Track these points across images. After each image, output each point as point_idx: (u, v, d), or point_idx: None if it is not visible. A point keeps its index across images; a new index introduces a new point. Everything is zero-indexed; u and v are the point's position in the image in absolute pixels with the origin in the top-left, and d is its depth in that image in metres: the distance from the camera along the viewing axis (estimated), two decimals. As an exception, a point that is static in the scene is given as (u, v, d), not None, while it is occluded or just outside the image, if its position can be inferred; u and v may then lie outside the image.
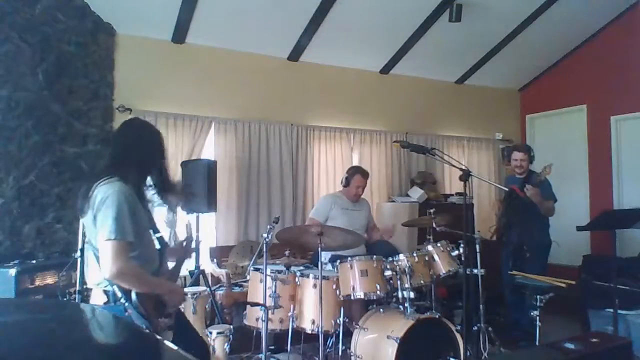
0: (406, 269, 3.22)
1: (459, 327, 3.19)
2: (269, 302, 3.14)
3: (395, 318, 3.13)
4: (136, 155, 2.00)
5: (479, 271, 3.73)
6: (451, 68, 6.25)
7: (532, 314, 3.40)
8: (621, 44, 5.78)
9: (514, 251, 4.31)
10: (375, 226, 4.44)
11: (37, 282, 3.33)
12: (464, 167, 2.92)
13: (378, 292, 3.17)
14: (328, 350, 3.64)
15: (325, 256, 3.75)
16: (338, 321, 3.26)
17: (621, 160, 5.86)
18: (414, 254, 3.38)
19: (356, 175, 4.15)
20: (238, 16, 4.63)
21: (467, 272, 3.05)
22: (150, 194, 2.07)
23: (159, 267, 2.06)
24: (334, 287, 3.30)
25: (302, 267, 3.73)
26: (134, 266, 1.85)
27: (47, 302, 2.86)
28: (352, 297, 3.21)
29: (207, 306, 3.45)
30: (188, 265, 3.74)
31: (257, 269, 3.45)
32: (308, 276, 3.38)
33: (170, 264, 2.21)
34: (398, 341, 2.89)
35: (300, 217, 5.29)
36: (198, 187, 4.02)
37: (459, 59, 6.06)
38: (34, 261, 3.54)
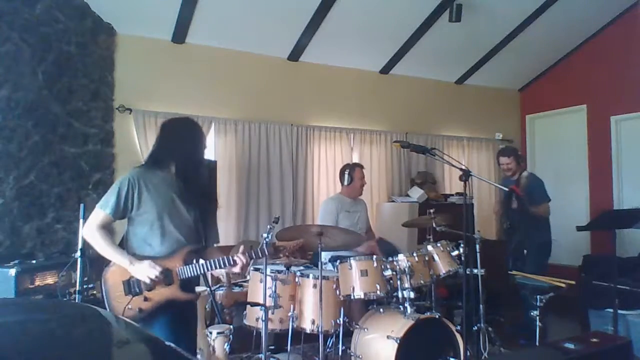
0: (406, 269, 3.22)
1: (459, 327, 3.19)
2: (269, 302, 3.14)
3: (395, 318, 3.13)
4: (174, 147, 2.24)
5: (479, 271, 3.74)
6: (451, 68, 6.25)
7: (532, 314, 3.40)
8: (621, 44, 5.78)
9: (513, 250, 4.32)
10: (370, 229, 4.43)
11: (37, 282, 3.33)
12: (464, 167, 2.92)
13: (378, 292, 3.17)
14: (328, 350, 3.64)
15: (325, 256, 3.75)
16: (338, 321, 3.26)
17: (621, 160, 5.86)
18: (414, 254, 3.38)
19: (356, 168, 4.18)
20: (238, 16, 4.63)
21: (467, 272, 3.05)
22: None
23: (168, 255, 2.17)
24: (334, 287, 3.30)
25: (302, 267, 3.73)
26: (97, 232, 2.13)
27: (47, 302, 2.86)
28: (352, 297, 3.21)
29: (207, 306, 3.44)
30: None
31: (257, 269, 3.45)
32: (308, 276, 3.38)
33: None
34: (398, 341, 2.89)
35: (300, 217, 5.29)
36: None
37: (459, 59, 6.06)
38: (34, 261, 3.53)
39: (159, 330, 2.09)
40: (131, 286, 2.12)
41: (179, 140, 2.25)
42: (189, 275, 2.17)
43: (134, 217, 2.17)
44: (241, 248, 2.29)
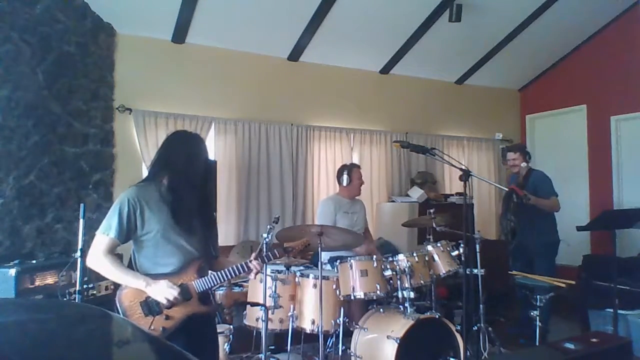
0: (406, 269, 3.22)
1: (459, 327, 3.19)
2: (269, 302, 3.14)
3: (395, 318, 3.13)
4: (174, 158, 2.14)
5: (479, 271, 3.73)
6: (451, 68, 6.25)
7: (532, 314, 3.40)
8: (621, 44, 5.78)
9: (513, 251, 4.31)
10: (368, 230, 4.42)
11: (37, 282, 3.32)
12: (464, 167, 2.92)
13: (378, 292, 3.17)
14: (328, 350, 3.64)
15: (325, 256, 3.75)
16: (338, 321, 3.26)
17: (621, 160, 5.86)
18: (414, 254, 3.38)
19: (354, 169, 4.15)
20: (238, 16, 4.63)
21: (467, 272, 3.05)
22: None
23: (180, 269, 2.10)
24: (334, 287, 3.30)
25: (302, 267, 3.73)
26: (104, 259, 2.02)
27: (47, 302, 2.86)
28: (352, 297, 3.21)
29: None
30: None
31: (257, 269, 3.44)
32: (308, 276, 3.38)
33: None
34: (398, 341, 2.89)
35: (300, 217, 5.29)
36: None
37: (459, 59, 6.06)
38: (34, 261, 3.52)
39: (184, 348, 2.03)
40: (150, 307, 2.02)
41: (174, 153, 2.16)
42: (206, 287, 2.12)
43: (139, 238, 2.07)
44: (253, 255, 2.27)
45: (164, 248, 2.08)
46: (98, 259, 2.02)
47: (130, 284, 2.03)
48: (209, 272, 2.17)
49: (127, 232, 2.04)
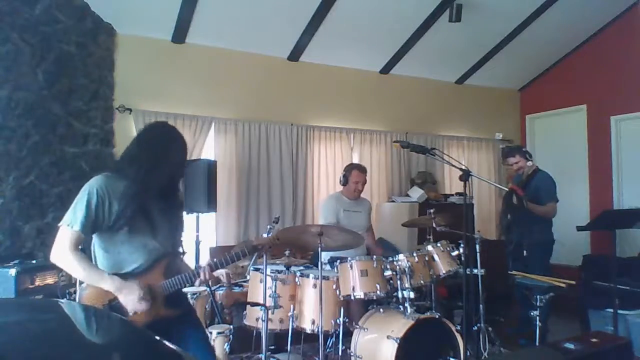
0: (406, 269, 3.21)
1: (459, 327, 3.19)
2: (269, 302, 3.14)
3: (395, 318, 3.13)
4: (146, 155, 1.99)
5: (479, 271, 3.74)
6: (451, 68, 6.25)
7: (532, 314, 3.40)
8: (621, 44, 5.79)
9: (513, 250, 4.31)
10: (371, 228, 4.41)
11: (37, 282, 3.33)
12: (464, 167, 2.92)
13: (378, 292, 3.16)
14: (328, 350, 3.64)
15: (325, 257, 3.75)
16: (338, 321, 3.26)
17: (621, 160, 5.86)
18: (414, 254, 3.37)
19: (353, 171, 4.07)
20: (238, 16, 4.64)
21: (467, 272, 3.05)
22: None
23: (147, 268, 1.99)
24: (334, 287, 3.30)
25: (302, 267, 3.73)
26: (71, 255, 1.86)
27: (47, 302, 2.86)
28: (352, 297, 3.20)
29: (207, 306, 3.44)
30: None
31: (257, 269, 3.45)
32: (308, 276, 3.38)
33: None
34: (398, 341, 2.89)
35: (300, 217, 5.29)
36: (198, 187, 4.02)
37: (459, 59, 6.06)
38: (34, 261, 3.53)
39: None
40: (114, 311, 1.86)
41: (146, 148, 2.02)
42: (174, 289, 2.02)
43: (103, 232, 1.93)
44: (207, 260, 2.16)
45: (128, 245, 1.95)
46: (64, 255, 1.87)
47: (98, 284, 1.88)
48: (176, 273, 2.06)
49: (94, 225, 1.89)
